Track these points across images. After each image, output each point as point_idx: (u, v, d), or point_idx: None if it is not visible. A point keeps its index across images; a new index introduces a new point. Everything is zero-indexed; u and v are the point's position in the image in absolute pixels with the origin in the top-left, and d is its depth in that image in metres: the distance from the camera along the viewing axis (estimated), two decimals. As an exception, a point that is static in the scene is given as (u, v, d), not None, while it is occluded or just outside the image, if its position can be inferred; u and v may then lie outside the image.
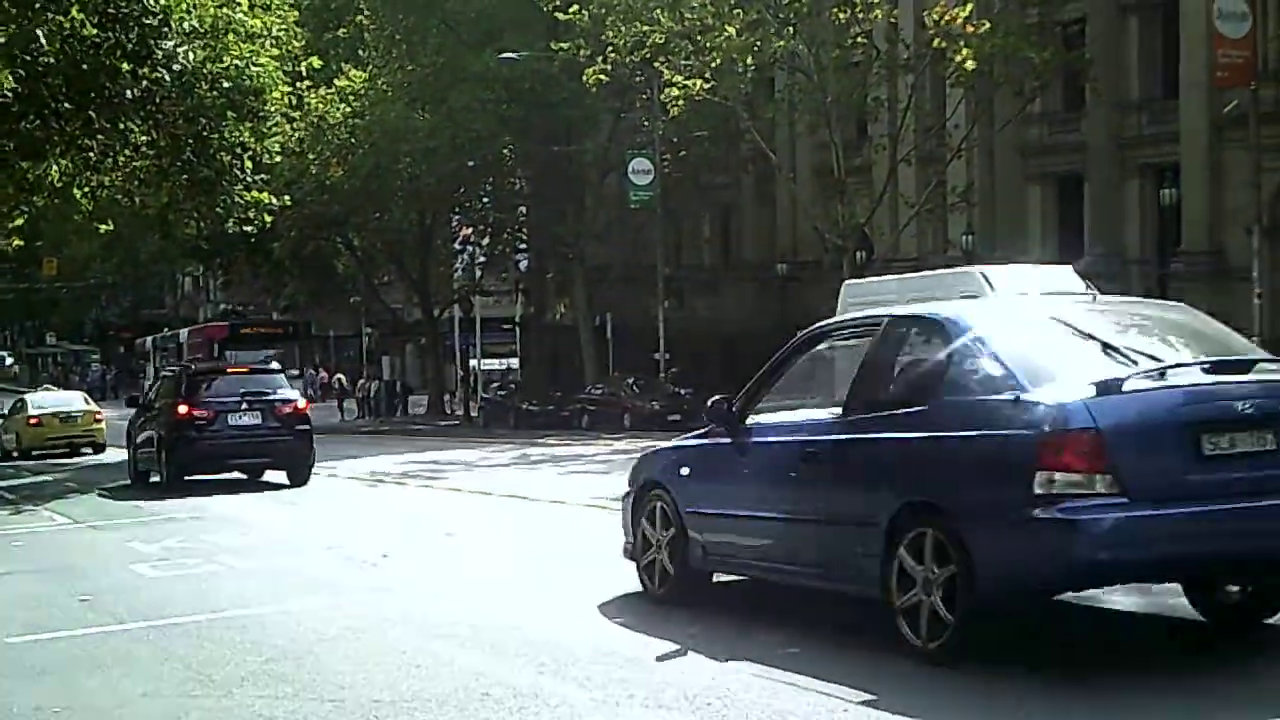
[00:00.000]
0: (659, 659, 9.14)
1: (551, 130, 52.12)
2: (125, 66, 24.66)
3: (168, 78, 25.44)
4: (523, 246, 60.34)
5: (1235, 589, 9.22)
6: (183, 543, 17.08)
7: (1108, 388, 7.96)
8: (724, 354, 50.42)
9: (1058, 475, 7.86)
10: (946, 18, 35.79)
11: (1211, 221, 39.25)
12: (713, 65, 39.31)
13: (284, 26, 30.98)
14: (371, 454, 35.47)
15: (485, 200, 57.30)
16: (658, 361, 47.00)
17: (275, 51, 29.29)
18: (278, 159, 33.31)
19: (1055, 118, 45.80)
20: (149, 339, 74.54)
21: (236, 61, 27.15)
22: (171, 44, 25.30)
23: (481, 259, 60.95)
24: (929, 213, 44.78)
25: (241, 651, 10.11)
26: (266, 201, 29.33)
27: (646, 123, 48.52)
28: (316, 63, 35.63)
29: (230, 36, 27.29)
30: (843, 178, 41.61)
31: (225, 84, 26.93)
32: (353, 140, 50.06)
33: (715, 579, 11.04)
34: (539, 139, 51.73)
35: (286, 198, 33.94)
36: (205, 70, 26.46)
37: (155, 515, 21.15)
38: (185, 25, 25.62)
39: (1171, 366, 8.36)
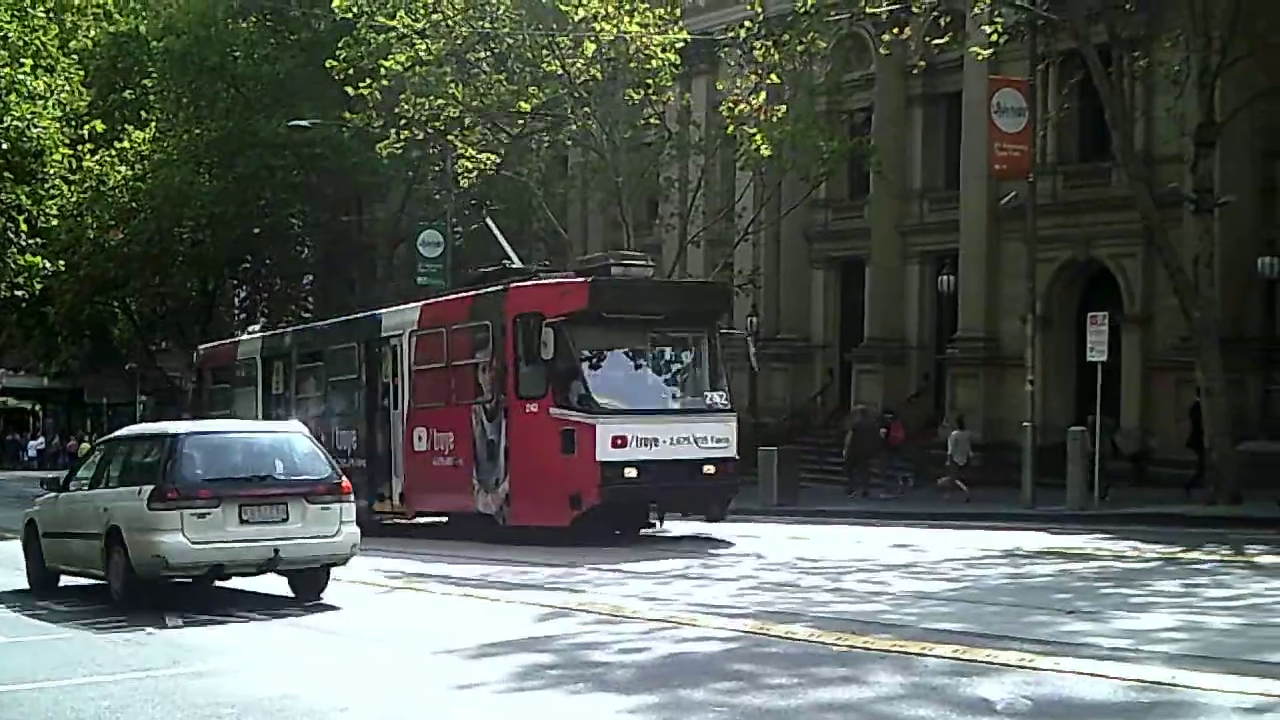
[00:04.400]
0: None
1: (342, 198, 51.66)
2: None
3: (-55, 139, 24.72)
4: (308, 316, 59.57)
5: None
6: (-64, 617, 16.36)
7: None
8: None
9: None
10: (742, 105, 36.37)
11: (987, 309, 40.30)
12: (507, 141, 39.38)
13: (68, 88, 30.29)
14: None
15: (270, 265, 56.49)
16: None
17: (58, 113, 28.62)
18: (54, 222, 32.44)
19: (840, 204, 46.73)
20: (249, 337, 38.27)
21: (17, 123, 26.46)
22: (-49, 105, 24.63)
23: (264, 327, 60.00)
24: (716, 293, 45.22)
25: (-8, 733, 9.68)
26: (41, 266, 28.52)
27: (439, 194, 48.37)
28: (100, 126, 34.79)
29: (13, 97, 26.62)
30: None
31: (4, 145, 26.24)
32: (134, 204, 48.96)
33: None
34: (329, 207, 51.21)
35: (62, 261, 33.04)
36: (-15, 132, 25.77)
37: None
38: (-35, 86, 24.96)
39: None
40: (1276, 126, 34.55)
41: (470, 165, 39.77)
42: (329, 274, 55.04)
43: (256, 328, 37.97)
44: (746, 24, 35.94)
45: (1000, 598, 14.89)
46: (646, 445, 23.13)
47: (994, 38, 32.40)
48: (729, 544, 22.88)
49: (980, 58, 33.89)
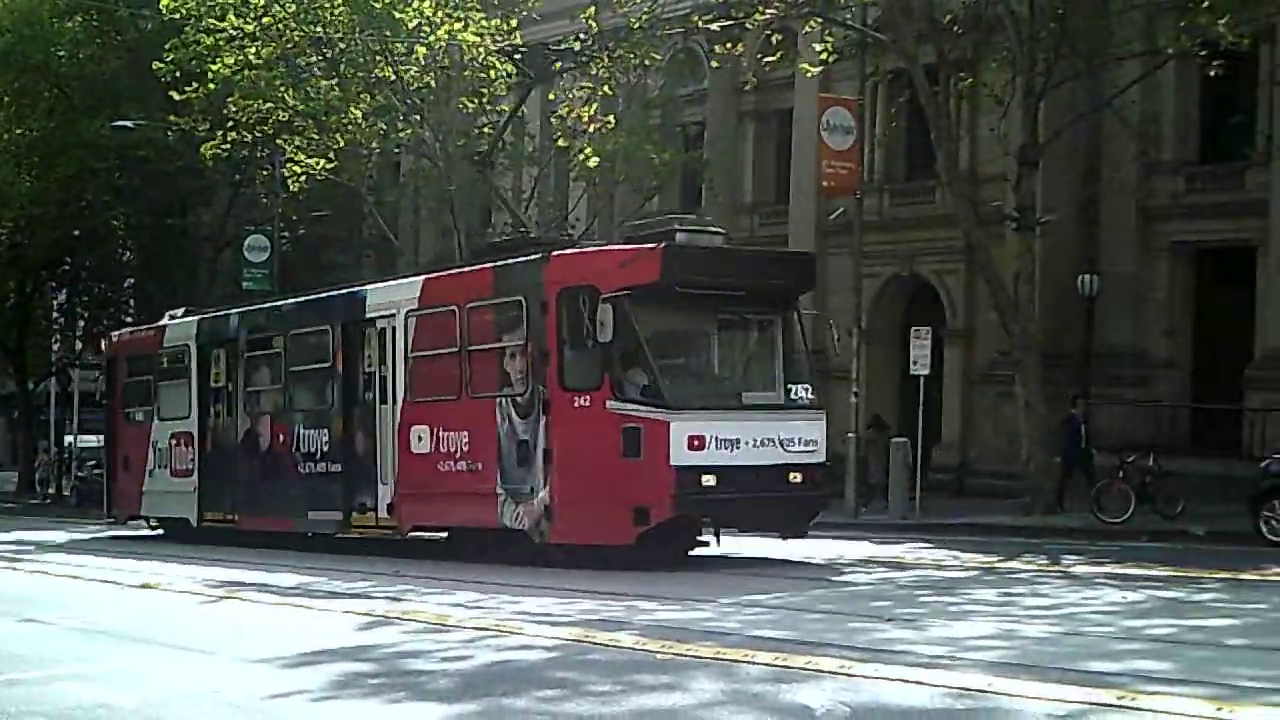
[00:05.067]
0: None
1: (166, 201, 50.74)
2: None
3: None
4: (129, 320, 58.43)
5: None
6: None
7: None
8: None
9: None
10: (572, 114, 36.42)
11: (814, 323, 40.71)
12: (337, 146, 38.97)
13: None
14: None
15: (90, 268, 55.32)
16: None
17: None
18: None
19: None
20: (178, 320, 31.79)
21: None
22: None
23: (83, 331, 58.74)
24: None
25: None
26: None
27: (266, 198, 47.71)
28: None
29: None
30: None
31: None
32: (-51, 204, 47.72)
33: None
34: (153, 210, 50.27)
35: None
36: None
37: None
38: None
39: None
40: (1097, 147, 35.52)
41: (299, 170, 39.27)
42: (151, 277, 54.05)
43: (180, 311, 32.90)
44: (580, 36, 36.02)
45: (821, 606, 15.05)
46: (727, 448, 19.11)
47: (824, 56, 32.86)
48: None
49: (810, 75, 34.35)
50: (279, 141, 40.09)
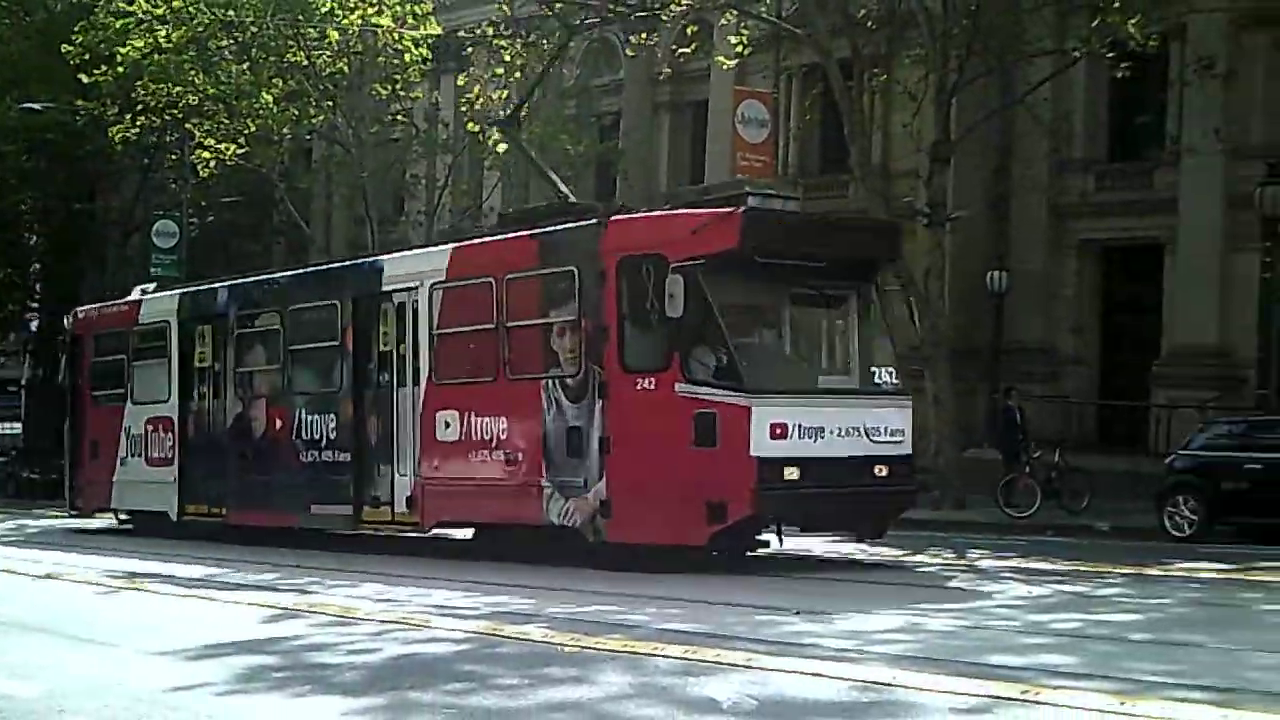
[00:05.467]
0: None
1: (74, 185, 50.14)
2: None
3: None
4: (35, 305, 57.63)
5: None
6: None
7: None
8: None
9: None
10: (481, 100, 36.29)
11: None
12: (247, 131, 38.65)
13: None
14: None
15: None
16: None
17: None
18: None
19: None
20: (155, 295, 29.08)
21: None
22: None
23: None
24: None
25: None
26: None
27: (176, 183, 47.21)
28: None
29: None
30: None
31: None
32: None
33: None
34: (60, 193, 49.67)
35: None
36: None
37: None
38: None
39: None
40: (1009, 144, 35.85)
41: (209, 155, 38.91)
42: (58, 262, 53.39)
43: (152, 286, 30.46)
44: (491, 22, 35.89)
45: (731, 599, 15.06)
46: (810, 436, 17.28)
47: (739, 49, 32.91)
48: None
49: (725, 68, 34.39)
50: (189, 126, 39.74)
